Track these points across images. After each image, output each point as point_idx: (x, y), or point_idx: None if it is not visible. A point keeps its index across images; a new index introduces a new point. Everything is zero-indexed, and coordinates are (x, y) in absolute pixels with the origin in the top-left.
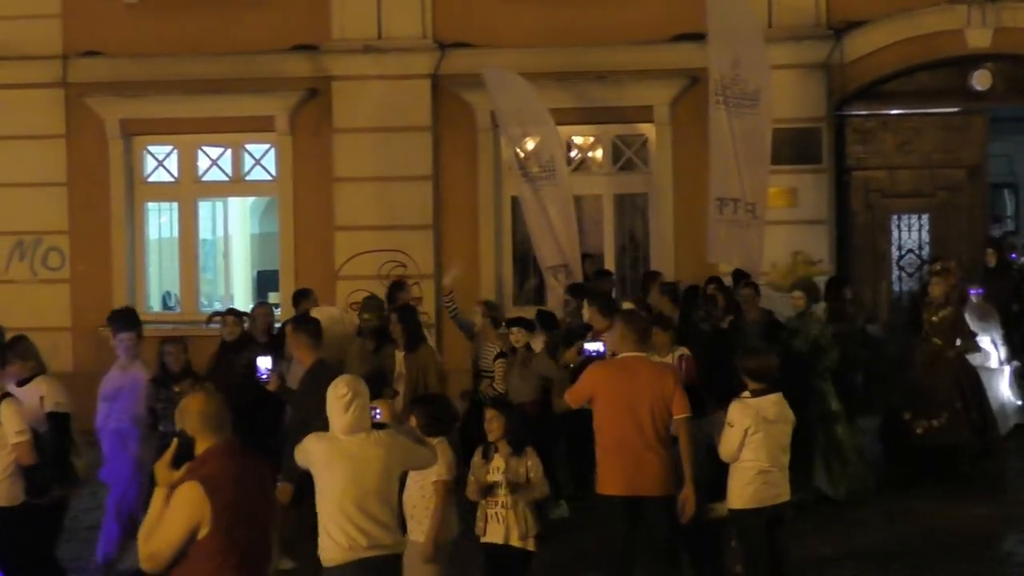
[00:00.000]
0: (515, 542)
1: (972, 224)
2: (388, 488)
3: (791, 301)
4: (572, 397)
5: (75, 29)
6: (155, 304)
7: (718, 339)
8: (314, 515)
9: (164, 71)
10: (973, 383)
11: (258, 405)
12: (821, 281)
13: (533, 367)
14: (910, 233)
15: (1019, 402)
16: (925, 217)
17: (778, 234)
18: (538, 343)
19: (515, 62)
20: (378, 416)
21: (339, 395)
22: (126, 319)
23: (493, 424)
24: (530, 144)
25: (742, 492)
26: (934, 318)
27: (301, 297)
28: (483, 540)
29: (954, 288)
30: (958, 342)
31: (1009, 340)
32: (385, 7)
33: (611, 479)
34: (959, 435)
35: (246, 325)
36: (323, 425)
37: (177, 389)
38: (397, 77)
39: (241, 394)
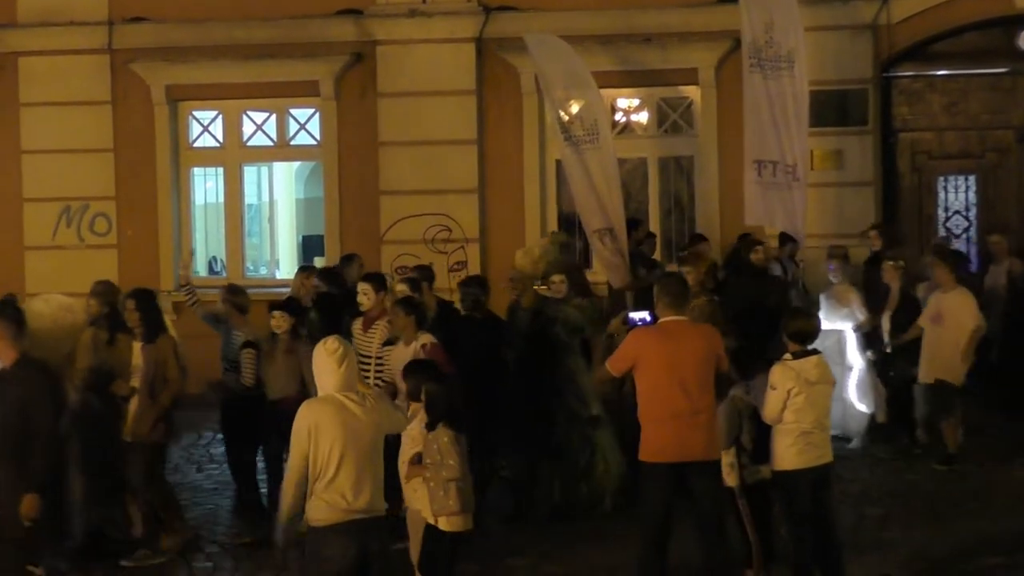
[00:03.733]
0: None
1: (1021, 186)
2: (378, 451)
3: (549, 287)
4: (614, 364)
5: None
6: (201, 269)
7: (485, 327)
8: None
9: (209, 36)
10: (722, 386)
11: None
12: None
13: (301, 356)
14: (957, 195)
15: (865, 408)
16: (972, 179)
17: (824, 196)
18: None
19: (560, 25)
20: None
21: (331, 351)
22: None
23: None
24: (573, 108)
25: (785, 454)
26: None
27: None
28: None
29: (708, 275)
30: None
31: (872, 335)
32: None
33: (656, 446)
34: None
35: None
36: (46, 428)
37: None
38: (442, 41)
39: None
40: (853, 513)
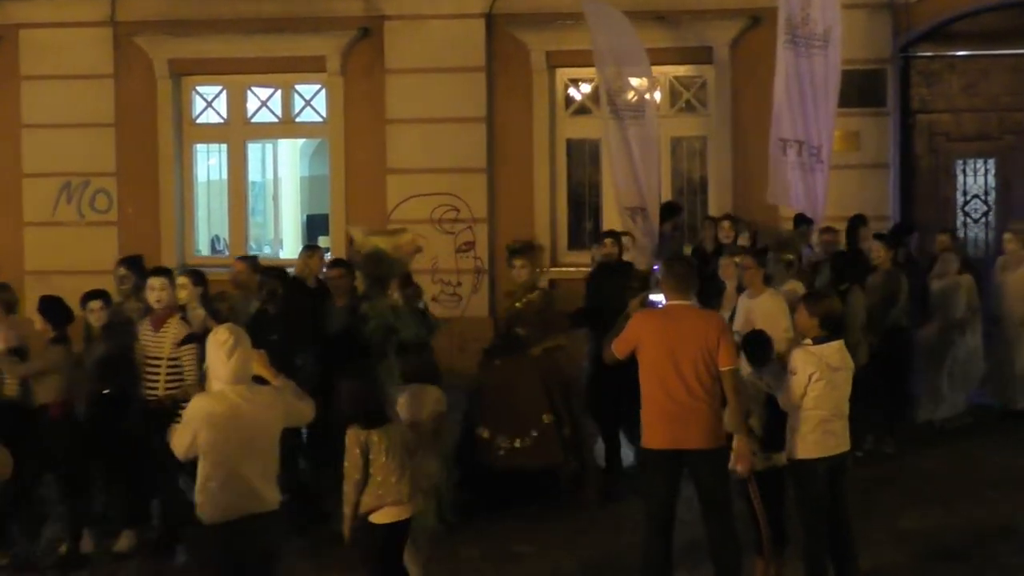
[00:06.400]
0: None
1: None
2: (272, 445)
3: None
4: (618, 347)
5: None
6: (203, 248)
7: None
8: None
9: (213, 10)
10: (564, 390)
11: None
12: None
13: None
14: (975, 178)
15: None
16: (991, 161)
17: (841, 178)
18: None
19: (571, 1)
20: None
21: (220, 341)
22: None
23: None
24: (624, 81)
25: (803, 441)
26: (517, 304)
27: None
28: None
29: (540, 271)
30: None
31: None
32: None
33: (655, 432)
34: (550, 456)
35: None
36: None
37: None
38: (451, 16)
39: None
40: (865, 501)
